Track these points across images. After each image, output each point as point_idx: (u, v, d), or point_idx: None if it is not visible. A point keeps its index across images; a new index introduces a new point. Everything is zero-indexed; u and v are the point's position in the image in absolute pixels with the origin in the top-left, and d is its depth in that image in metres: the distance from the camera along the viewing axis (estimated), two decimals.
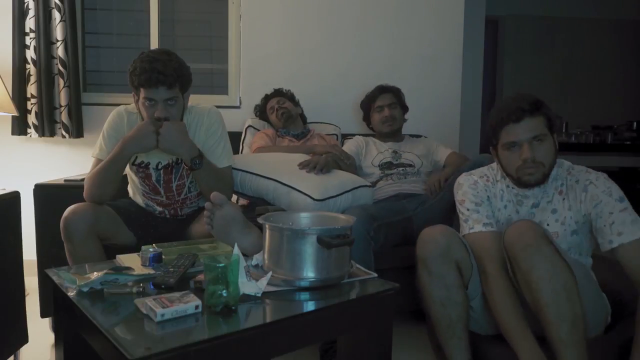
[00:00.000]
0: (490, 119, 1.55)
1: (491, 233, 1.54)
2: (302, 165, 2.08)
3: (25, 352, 1.86)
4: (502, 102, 1.55)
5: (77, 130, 2.79)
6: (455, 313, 1.49)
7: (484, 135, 4.56)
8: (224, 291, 1.05)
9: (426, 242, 1.50)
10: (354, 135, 2.70)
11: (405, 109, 2.62)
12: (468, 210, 1.59)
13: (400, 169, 2.40)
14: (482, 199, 1.61)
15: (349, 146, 2.51)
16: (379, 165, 2.43)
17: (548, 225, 1.54)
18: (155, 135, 1.70)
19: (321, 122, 2.88)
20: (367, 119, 2.65)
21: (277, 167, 2.08)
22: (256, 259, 1.34)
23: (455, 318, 1.50)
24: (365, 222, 1.88)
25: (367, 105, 2.61)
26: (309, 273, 1.21)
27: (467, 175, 1.67)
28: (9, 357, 1.75)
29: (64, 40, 2.72)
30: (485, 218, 1.56)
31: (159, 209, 1.97)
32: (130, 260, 1.38)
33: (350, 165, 2.31)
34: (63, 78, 2.73)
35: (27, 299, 1.86)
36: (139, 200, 1.99)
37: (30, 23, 2.71)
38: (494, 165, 1.67)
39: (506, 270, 1.47)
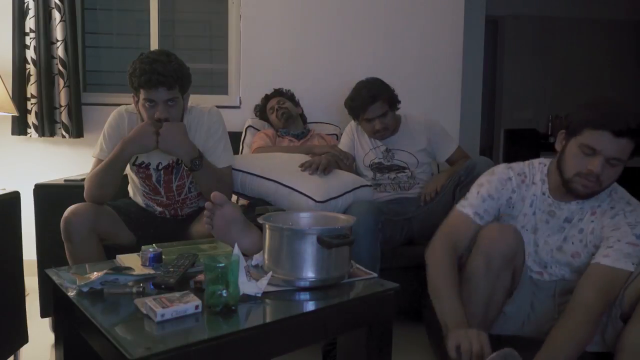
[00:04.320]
0: (585, 107, 1.37)
1: (471, 221, 1.51)
2: (304, 167, 2.07)
3: (25, 352, 1.86)
4: (605, 99, 1.35)
5: (77, 130, 2.79)
6: (491, 315, 1.46)
7: (484, 136, 4.55)
8: (224, 291, 1.05)
9: (497, 241, 1.43)
10: None
11: (398, 103, 2.40)
12: (477, 193, 1.54)
13: (392, 173, 2.33)
14: (499, 196, 1.53)
15: (344, 142, 2.44)
16: (369, 166, 2.36)
17: (573, 243, 1.49)
18: (155, 136, 1.70)
19: (321, 122, 2.88)
20: (354, 118, 2.43)
21: (278, 168, 2.08)
22: (256, 259, 1.34)
23: (490, 318, 1.47)
24: (374, 215, 1.88)
25: (355, 112, 2.33)
26: (309, 273, 1.21)
27: (506, 169, 1.56)
28: (9, 357, 1.74)
29: (64, 40, 2.72)
30: (483, 211, 1.52)
31: (159, 209, 1.97)
32: (130, 260, 1.38)
33: (350, 165, 2.30)
34: (63, 78, 2.73)
35: (27, 299, 1.86)
36: (139, 200, 1.99)
37: (30, 23, 2.71)
38: (537, 164, 1.56)
39: (455, 252, 1.47)
